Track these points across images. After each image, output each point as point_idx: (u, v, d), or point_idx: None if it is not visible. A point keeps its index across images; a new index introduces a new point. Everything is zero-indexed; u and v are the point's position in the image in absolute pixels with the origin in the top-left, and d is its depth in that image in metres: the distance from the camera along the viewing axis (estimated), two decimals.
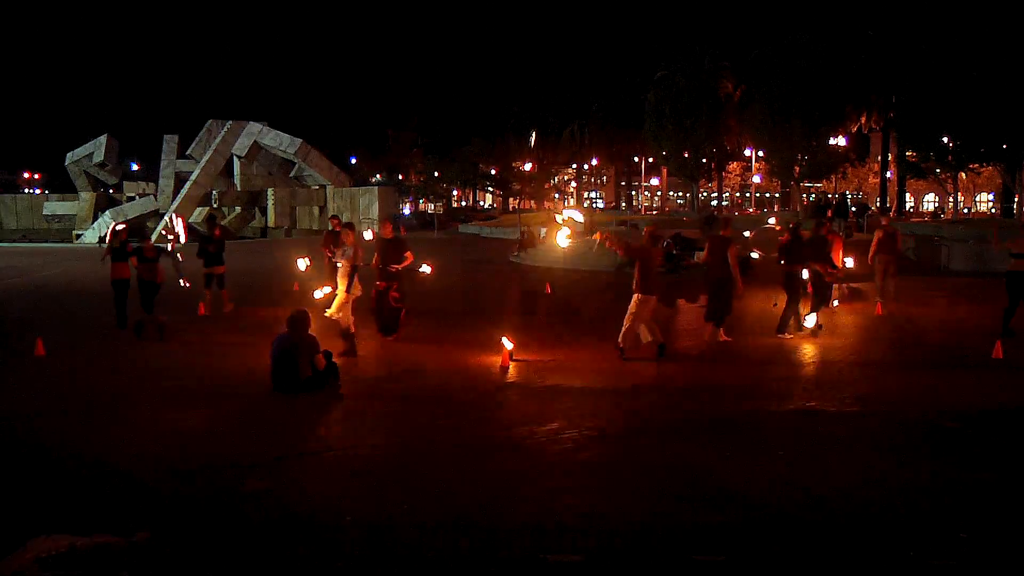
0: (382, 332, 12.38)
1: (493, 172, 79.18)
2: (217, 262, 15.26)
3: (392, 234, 12.49)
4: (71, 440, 7.36)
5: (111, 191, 53.89)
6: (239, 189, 49.20)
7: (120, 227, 14.20)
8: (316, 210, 49.10)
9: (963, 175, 50.65)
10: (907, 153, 46.00)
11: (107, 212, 45.62)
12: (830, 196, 52.43)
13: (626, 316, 10.95)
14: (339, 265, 11.57)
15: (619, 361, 10.88)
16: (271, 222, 48.57)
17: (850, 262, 16.11)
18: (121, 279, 13.50)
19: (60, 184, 61.39)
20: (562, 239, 22.10)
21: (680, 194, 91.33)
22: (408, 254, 12.30)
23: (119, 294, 13.50)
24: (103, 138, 48.96)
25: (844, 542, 5.09)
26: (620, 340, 10.94)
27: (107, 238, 13.97)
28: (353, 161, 76.67)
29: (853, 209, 33.96)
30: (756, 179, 68.34)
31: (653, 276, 10.90)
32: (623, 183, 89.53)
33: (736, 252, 12.12)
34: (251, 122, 47.20)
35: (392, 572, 4.78)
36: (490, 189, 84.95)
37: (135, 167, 71.52)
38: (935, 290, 15.31)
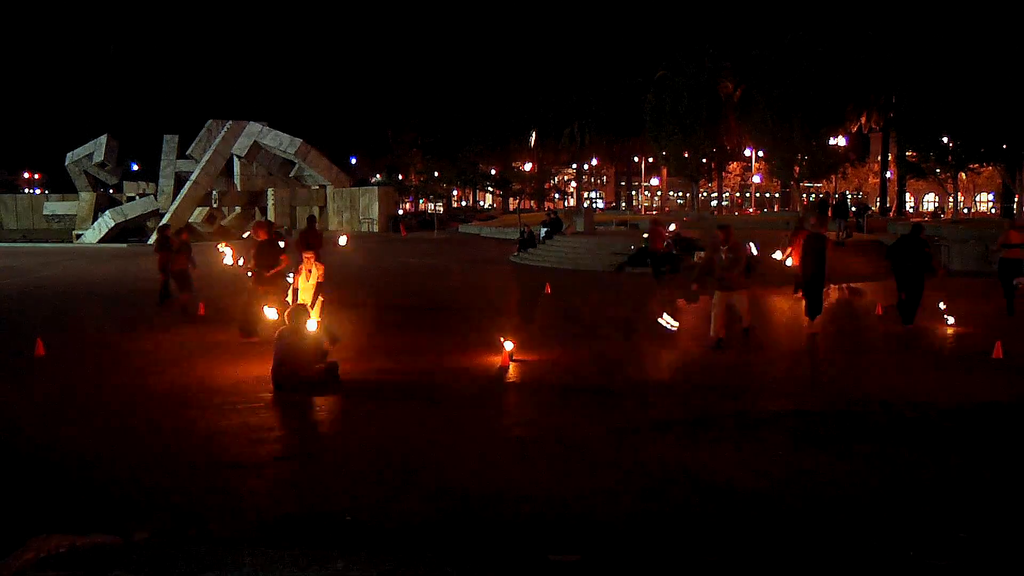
0: (243, 332, 12.29)
1: (493, 172, 79.09)
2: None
3: (267, 236, 12.56)
4: (71, 440, 7.36)
5: (111, 191, 53.79)
6: (239, 189, 49.17)
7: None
8: (316, 210, 49.07)
9: (963, 175, 50.62)
10: (907, 153, 45.96)
11: (107, 212, 45.57)
12: (833, 196, 52.42)
13: (741, 311, 11.79)
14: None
15: (618, 361, 10.91)
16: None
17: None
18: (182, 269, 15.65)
19: (60, 184, 61.25)
20: None
21: (680, 194, 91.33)
22: (283, 257, 12.31)
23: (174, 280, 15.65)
24: (103, 138, 48.90)
25: (844, 542, 5.09)
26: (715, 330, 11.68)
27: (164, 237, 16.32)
28: (353, 161, 76.56)
29: (853, 209, 33.93)
30: (756, 179, 68.32)
31: (725, 276, 11.73)
32: (623, 183, 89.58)
33: (830, 248, 13.29)
34: (251, 122, 47.15)
35: (392, 571, 4.78)
36: (490, 189, 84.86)
37: (135, 167, 71.44)
38: (935, 290, 15.32)
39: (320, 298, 11.61)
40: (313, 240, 15.80)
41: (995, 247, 14.84)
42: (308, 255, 11.89)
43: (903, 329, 13.23)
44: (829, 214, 30.06)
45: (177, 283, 15.63)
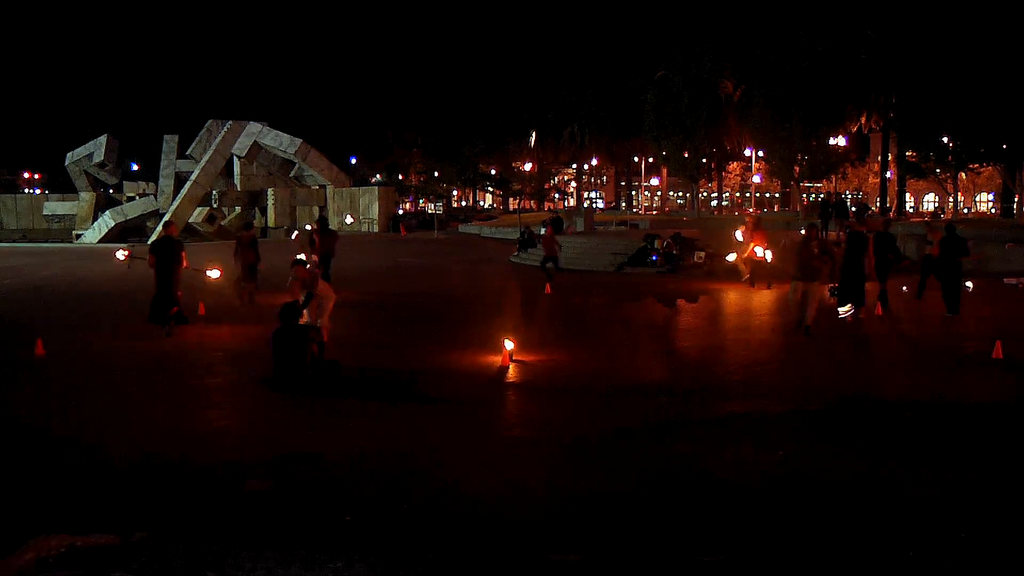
0: (152, 320, 13.37)
1: (493, 172, 79.06)
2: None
3: (177, 235, 14.25)
4: (71, 440, 7.36)
5: (111, 191, 53.81)
6: (239, 189, 49.18)
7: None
8: (316, 210, 49.08)
9: (963, 175, 50.60)
10: (907, 153, 45.96)
11: (107, 212, 45.58)
12: (833, 196, 52.44)
13: (810, 303, 12.50)
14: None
15: (618, 361, 10.92)
16: (271, 222, 48.55)
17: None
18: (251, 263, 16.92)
19: (60, 184, 61.27)
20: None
21: (680, 194, 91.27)
22: (184, 254, 13.85)
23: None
24: (103, 138, 48.88)
25: (844, 542, 5.09)
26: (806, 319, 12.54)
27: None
28: (353, 161, 76.55)
29: (853, 209, 33.98)
30: (756, 179, 68.26)
31: (811, 266, 12.64)
32: (623, 183, 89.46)
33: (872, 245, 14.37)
34: (251, 122, 47.15)
35: (392, 571, 4.78)
36: (490, 189, 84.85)
37: (135, 167, 71.43)
38: (935, 290, 15.38)
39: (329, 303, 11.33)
40: (326, 245, 17.33)
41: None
42: (299, 269, 11.09)
43: (902, 330, 13.26)
44: (831, 214, 30.21)
45: (245, 274, 16.86)
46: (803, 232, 13.44)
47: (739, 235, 19.77)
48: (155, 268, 13.50)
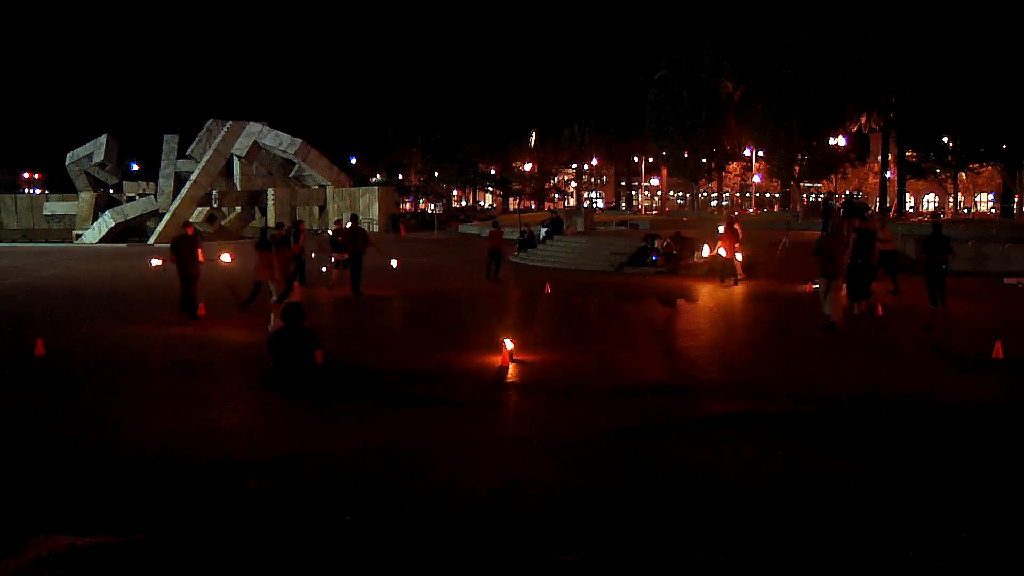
0: (189, 317, 14.20)
1: (493, 172, 79.03)
2: (343, 250, 18.72)
3: (193, 233, 14.83)
4: (71, 439, 7.36)
5: (111, 191, 53.74)
6: (239, 189, 49.14)
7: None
8: (316, 210, 49.02)
9: (963, 175, 50.63)
10: (907, 153, 45.99)
11: (107, 212, 45.55)
12: (832, 196, 52.39)
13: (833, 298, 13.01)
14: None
15: (618, 361, 10.92)
16: (271, 222, 48.49)
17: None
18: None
19: (60, 184, 61.20)
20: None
21: (680, 194, 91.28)
22: (200, 250, 14.62)
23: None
24: (103, 138, 48.83)
25: (845, 542, 5.09)
26: (831, 315, 12.96)
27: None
28: (353, 161, 76.41)
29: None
30: (756, 179, 68.30)
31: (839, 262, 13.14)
32: (623, 183, 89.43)
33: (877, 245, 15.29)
34: (251, 122, 47.12)
35: (392, 571, 4.78)
36: (490, 189, 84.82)
37: (135, 167, 71.35)
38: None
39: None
40: (348, 241, 18.40)
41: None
42: (263, 254, 12.76)
43: (903, 330, 13.27)
44: (833, 214, 30.25)
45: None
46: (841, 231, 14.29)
47: (722, 230, 21.38)
48: (178, 265, 14.15)
